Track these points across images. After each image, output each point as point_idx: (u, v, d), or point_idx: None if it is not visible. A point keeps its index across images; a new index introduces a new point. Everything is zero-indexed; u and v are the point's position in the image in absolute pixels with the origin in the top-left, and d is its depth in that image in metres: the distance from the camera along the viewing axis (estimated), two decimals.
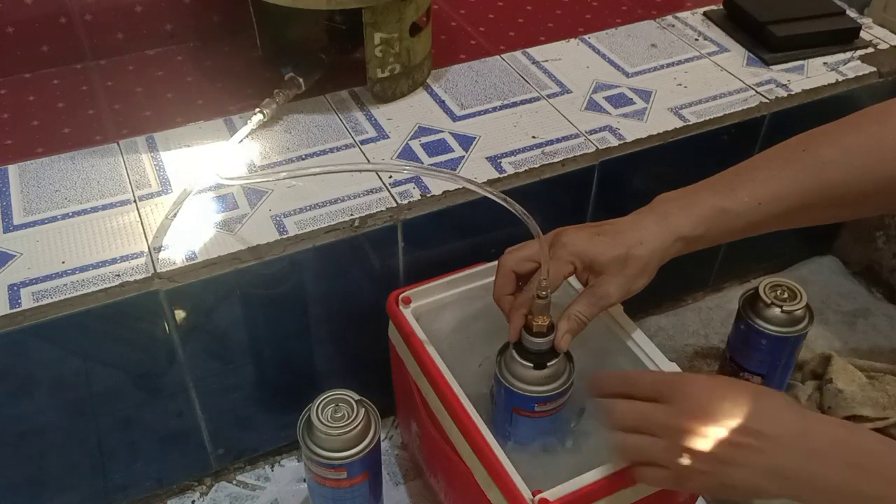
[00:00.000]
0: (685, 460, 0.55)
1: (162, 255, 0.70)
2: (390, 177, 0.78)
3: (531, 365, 0.64)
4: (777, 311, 0.77)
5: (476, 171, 0.79)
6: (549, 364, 0.64)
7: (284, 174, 0.74)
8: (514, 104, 0.89)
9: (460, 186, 0.77)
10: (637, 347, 0.69)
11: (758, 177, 0.65)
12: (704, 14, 1.05)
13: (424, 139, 0.83)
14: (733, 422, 0.54)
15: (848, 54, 0.98)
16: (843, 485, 0.51)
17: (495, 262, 0.75)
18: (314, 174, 0.76)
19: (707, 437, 0.54)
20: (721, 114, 0.88)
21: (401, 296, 0.72)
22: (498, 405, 0.68)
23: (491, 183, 0.78)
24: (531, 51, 0.98)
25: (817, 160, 0.65)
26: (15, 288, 0.67)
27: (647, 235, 0.64)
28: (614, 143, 0.83)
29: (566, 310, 0.65)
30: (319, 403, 0.67)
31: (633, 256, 0.63)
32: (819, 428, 0.54)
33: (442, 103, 0.89)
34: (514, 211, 0.60)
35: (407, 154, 0.81)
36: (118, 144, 0.83)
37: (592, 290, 0.65)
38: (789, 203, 0.64)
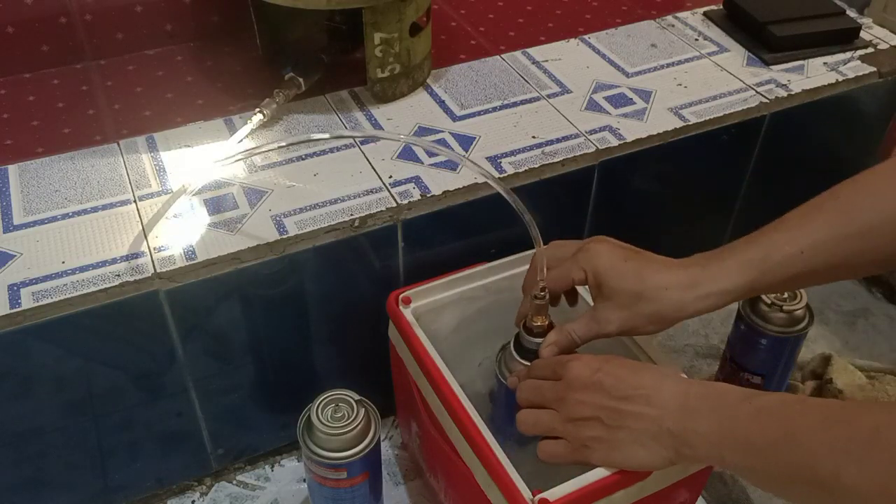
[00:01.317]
0: (577, 428, 0.59)
1: (162, 255, 0.70)
2: (390, 176, 0.78)
3: (530, 364, 0.64)
4: (777, 311, 0.77)
5: (476, 171, 0.79)
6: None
7: (276, 145, 0.75)
8: (514, 104, 0.89)
9: (460, 186, 0.77)
10: (637, 347, 0.69)
11: (793, 226, 0.63)
12: (704, 14, 1.05)
13: (425, 139, 0.83)
14: (617, 390, 0.58)
15: (848, 54, 0.98)
16: (715, 434, 0.54)
17: (495, 262, 0.75)
18: (301, 142, 0.77)
19: (594, 405, 0.58)
20: (721, 114, 0.88)
21: (401, 296, 0.72)
22: (498, 405, 0.68)
23: None
24: (531, 51, 0.98)
25: (850, 204, 0.62)
26: (15, 288, 0.67)
27: (675, 283, 0.62)
28: (614, 143, 0.83)
29: (562, 326, 0.65)
30: (319, 403, 0.67)
31: (647, 298, 0.61)
32: (693, 389, 0.57)
33: (442, 103, 0.89)
34: (516, 208, 0.60)
35: (407, 154, 0.81)
36: (118, 144, 0.83)
37: (594, 312, 0.64)
38: (829, 251, 0.61)
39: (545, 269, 0.64)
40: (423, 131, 0.85)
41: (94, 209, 0.75)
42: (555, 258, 0.66)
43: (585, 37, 1.01)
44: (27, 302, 0.65)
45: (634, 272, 0.62)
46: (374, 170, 0.79)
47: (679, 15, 1.06)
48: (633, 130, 0.85)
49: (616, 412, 0.58)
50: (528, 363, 0.65)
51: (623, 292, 0.62)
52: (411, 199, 0.76)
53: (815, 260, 0.61)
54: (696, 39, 1.00)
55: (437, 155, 0.81)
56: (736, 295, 0.62)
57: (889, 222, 0.61)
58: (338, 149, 0.82)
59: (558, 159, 0.81)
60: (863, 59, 0.97)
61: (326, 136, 0.77)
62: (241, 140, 0.82)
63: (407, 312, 0.72)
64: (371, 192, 0.77)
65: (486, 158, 0.81)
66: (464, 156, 0.81)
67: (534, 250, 0.66)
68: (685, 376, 0.61)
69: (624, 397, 0.58)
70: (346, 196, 0.76)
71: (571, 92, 0.91)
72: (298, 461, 0.86)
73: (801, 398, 0.54)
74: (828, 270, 0.62)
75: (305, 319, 0.78)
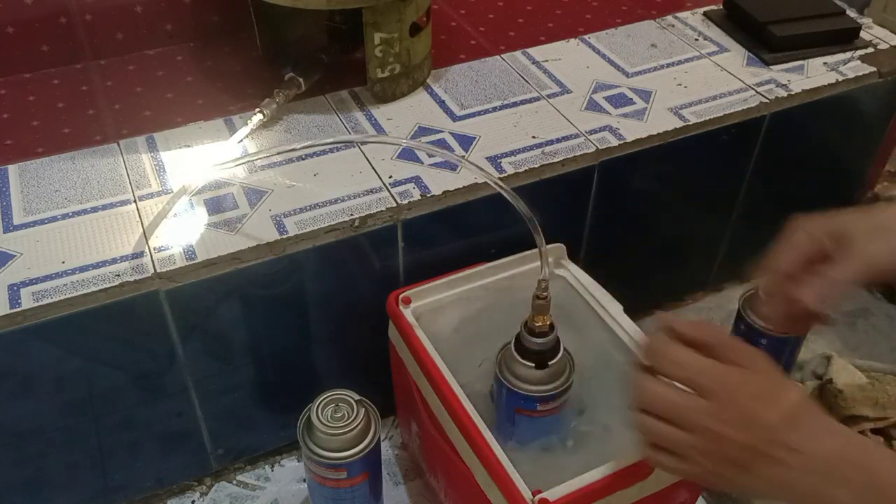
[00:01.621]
0: (715, 464, 0.52)
1: (162, 255, 0.70)
2: (390, 176, 0.78)
3: (532, 365, 0.64)
4: None
5: (476, 171, 0.79)
6: (550, 363, 0.64)
7: (275, 151, 0.74)
8: (514, 104, 0.89)
9: (460, 186, 0.77)
10: (637, 347, 0.69)
11: None
12: (704, 14, 1.05)
13: (424, 139, 0.83)
14: (769, 432, 0.51)
15: (848, 54, 0.97)
16: None
17: (495, 262, 0.75)
18: (300, 148, 0.76)
19: (742, 447, 0.51)
20: (721, 114, 0.88)
21: (401, 296, 0.72)
22: (499, 406, 0.68)
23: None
24: (531, 51, 0.98)
25: None
26: (15, 288, 0.67)
27: None
28: (614, 143, 0.83)
29: (824, 276, 0.58)
30: (319, 403, 0.67)
31: (886, 227, 0.58)
32: (850, 451, 0.51)
33: (442, 103, 0.89)
34: (518, 208, 0.60)
35: (407, 154, 0.81)
36: (118, 144, 0.83)
37: (851, 253, 0.58)
38: None
39: (547, 270, 0.63)
40: (423, 131, 0.85)
41: (94, 209, 0.75)
42: (818, 237, 0.60)
43: (585, 37, 1.01)
44: (27, 302, 0.65)
45: (856, 215, 0.59)
46: (374, 170, 0.79)
47: (679, 15, 1.06)
48: (633, 130, 0.85)
49: (762, 457, 0.51)
50: (531, 364, 0.64)
51: (864, 230, 0.58)
52: (411, 199, 0.76)
53: None
54: (696, 39, 1.00)
55: (437, 155, 0.81)
56: None
57: None
58: (338, 149, 0.82)
59: (558, 159, 0.81)
60: (863, 59, 0.97)
61: (331, 140, 0.77)
62: (241, 140, 0.82)
63: (407, 312, 0.72)
64: (371, 192, 0.77)
65: (486, 158, 0.81)
66: (463, 157, 0.81)
67: (533, 250, 0.66)
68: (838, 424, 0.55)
69: (771, 441, 0.50)
70: (346, 196, 0.76)
71: (571, 92, 0.91)
72: (298, 461, 0.86)
73: None
74: None
75: (305, 319, 0.78)
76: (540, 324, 0.64)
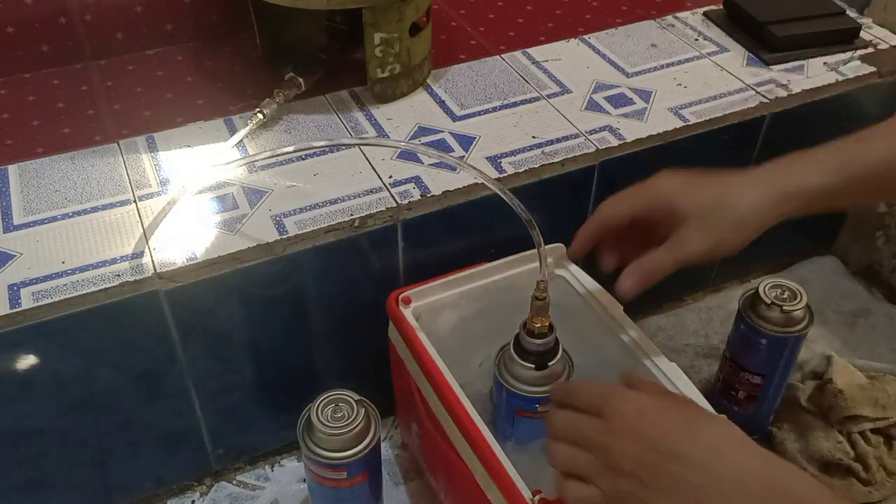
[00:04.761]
0: (614, 479, 0.51)
1: (162, 255, 0.70)
2: (390, 176, 0.78)
3: (532, 366, 0.64)
4: (777, 311, 0.77)
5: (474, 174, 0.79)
6: (549, 364, 0.64)
7: (269, 154, 0.75)
8: (514, 104, 0.89)
9: (460, 186, 0.77)
10: (637, 347, 0.69)
11: (866, 139, 0.60)
12: (704, 14, 1.05)
13: (424, 139, 0.83)
14: (665, 446, 0.50)
15: (848, 54, 0.98)
16: None
17: (495, 262, 0.75)
18: (292, 151, 0.77)
19: (634, 458, 0.50)
20: (721, 114, 0.88)
21: (401, 296, 0.72)
22: (498, 407, 0.68)
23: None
24: (531, 51, 0.98)
25: None
26: (15, 288, 0.67)
27: (751, 185, 0.57)
28: (614, 143, 0.83)
29: (638, 260, 0.59)
30: (319, 403, 0.67)
31: (725, 207, 0.57)
32: (754, 468, 0.49)
33: (442, 103, 0.89)
34: (515, 208, 0.60)
35: (407, 154, 0.81)
36: (118, 144, 0.83)
37: (672, 240, 0.59)
38: None
39: (546, 271, 0.63)
40: (423, 131, 0.85)
41: (94, 209, 0.75)
42: (621, 214, 0.62)
43: (585, 37, 1.01)
44: (27, 302, 0.65)
45: (705, 185, 0.58)
46: (374, 170, 0.79)
47: (679, 15, 1.06)
48: (633, 130, 0.85)
49: (657, 471, 0.50)
50: (530, 365, 0.64)
51: (698, 207, 0.58)
52: (411, 199, 0.76)
53: (888, 172, 0.59)
54: (696, 39, 1.00)
55: (435, 157, 0.81)
56: (817, 198, 0.58)
57: None
58: (338, 149, 0.82)
59: (558, 159, 0.81)
60: (863, 59, 0.97)
61: (322, 143, 0.77)
62: (241, 140, 0.82)
63: (407, 312, 0.72)
64: (371, 192, 0.77)
65: (486, 158, 0.81)
66: (462, 158, 0.81)
67: (533, 250, 0.66)
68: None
69: (669, 456, 0.50)
70: (346, 196, 0.76)
71: (571, 92, 0.91)
72: (298, 461, 0.86)
73: None
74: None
75: (305, 319, 0.78)
76: (539, 325, 0.64)
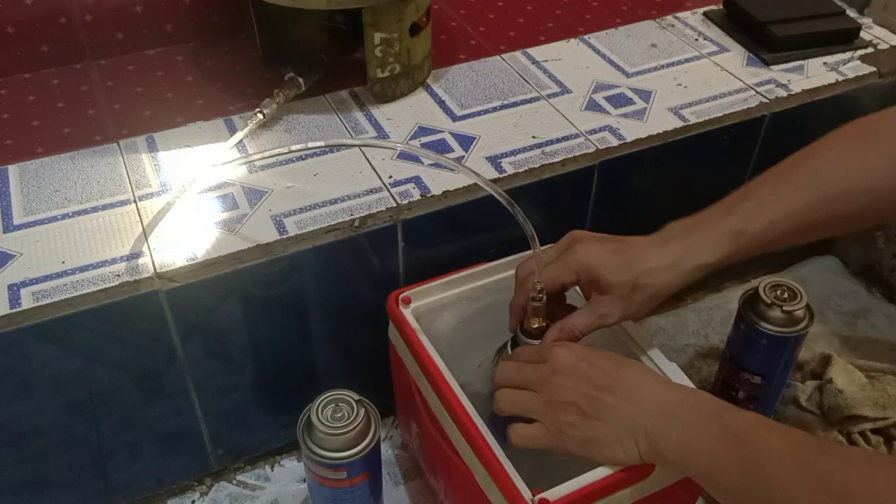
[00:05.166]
0: (555, 412, 0.60)
1: (162, 255, 0.70)
2: (390, 177, 0.78)
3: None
4: (777, 311, 0.77)
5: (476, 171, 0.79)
6: None
7: (271, 152, 0.75)
8: (514, 104, 0.89)
9: (460, 186, 0.77)
10: (637, 347, 0.69)
11: (764, 196, 0.66)
12: (704, 14, 1.05)
13: (424, 139, 0.83)
14: (599, 379, 0.60)
15: (848, 54, 0.97)
16: (683, 444, 0.56)
17: (495, 262, 0.75)
18: (299, 150, 0.77)
19: (574, 390, 0.60)
20: (721, 114, 0.88)
21: (401, 296, 0.72)
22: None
23: (491, 183, 0.78)
24: (531, 51, 0.98)
25: (815, 174, 0.67)
26: (15, 288, 0.67)
27: (662, 265, 0.64)
28: (614, 143, 0.83)
29: (563, 320, 0.65)
30: (319, 403, 0.67)
31: (641, 285, 0.64)
32: (672, 394, 0.59)
33: (442, 103, 0.89)
34: (512, 210, 0.60)
35: (407, 154, 0.81)
36: (118, 144, 0.83)
37: (593, 306, 0.65)
38: (799, 219, 0.65)
39: (542, 271, 0.64)
40: (423, 131, 0.85)
41: (94, 209, 0.75)
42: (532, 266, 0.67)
43: (585, 37, 1.01)
44: (27, 302, 0.65)
45: (625, 264, 0.64)
46: (374, 170, 0.79)
47: (679, 15, 1.06)
48: (633, 130, 0.85)
49: (595, 401, 0.59)
50: None
51: (619, 284, 0.64)
52: (411, 199, 0.76)
53: (786, 228, 0.65)
54: (696, 39, 1.00)
55: (433, 159, 0.81)
56: (714, 267, 0.65)
57: (854, 190, 0.65)
58: (338, 149, 0.82)
59: (558, 159, 0.81)
60: (863, 59, 0.97)
61: (322, 144, 0.77)
62: (241, 140, 0.82)
63: (407, 312, 0.72)
64: (371, 192, 0.77)
65: (486, 158, 0.81)
66: (461, 159, 0.81)
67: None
68: (676, 378, 0.64)
69: (605, 388, 0.59)
70: (346, 196, 0.76)
71: (571, 92, 0.91)
72: (298, 461, 0.86)
73: (770, 424, 0.55)
74: (797, 236, 0.66)
75: (305, 319, 0.78)
76: (536, 325, 0.65)
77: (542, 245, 0.64)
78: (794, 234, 0.66)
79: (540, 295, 0.64)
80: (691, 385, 0.64)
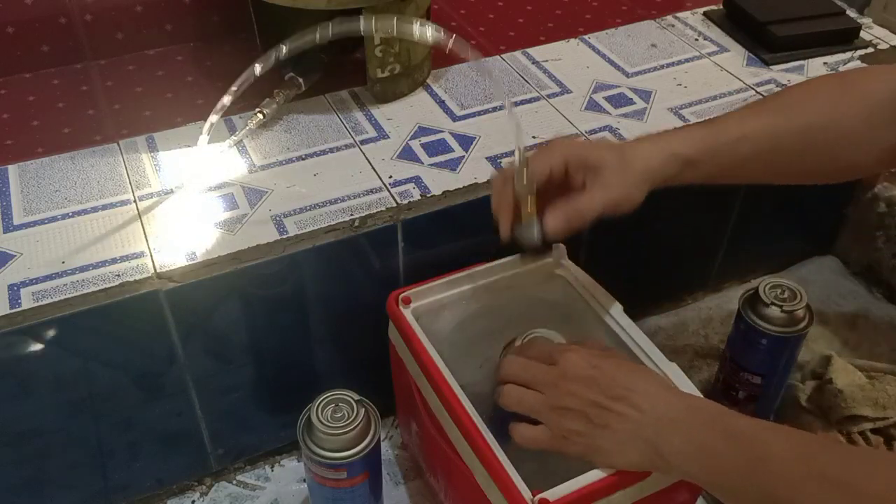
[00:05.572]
0: (561, 418, 0.59)
1: (162, 255, 0.70)
2: (390, 176, 0.78)
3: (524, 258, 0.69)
4: (777, 311, 0.77)
5: (476, 171, 0.79)
6: (541, 257, 0.69)
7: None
8: (515, 104, 0.89)
9: (460, 186, 0.77)
10: (637, 347, 0.69)
11: (737, 117, 0.69)
12: (704, 14, 1.05)
13: (424, 139, 0.83)
14: (610, 389, 0.59)
15: (848, 54, 0.98)
16: (688, 450, 0.56)
17: (495, 262, 0.75)
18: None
19: (584, 399, 0.59)
20: (721, 113, 0.87)
21: (401, 296, 0.72)
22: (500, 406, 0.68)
23: None
24: (531, 51, 0.98)
25: (792, 105, 0.70)
26: (15, 288, 0.67)
27: (642, 149, 0.65)
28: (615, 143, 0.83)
29: (564, 205, 0.65)
30: (319, 403, 0.67)
31: (627, 164, 0.64)
32: (680, 402, 0.59)
33: (442, 103, 0.89)
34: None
35: (407, 154, 0.81)
36: (118, 144, 0.83)
37: (591, 186, 0.64)
38: (770, 141, 0.67)
39: (522, 148, 0.64)
40: (423, 131, 0.85)
41: (94, 209, 0.75)
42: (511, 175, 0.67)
43: (585, 37, 1.01)
44: (27, 302, 0.65)
45: (608, 145, 0.66)
46: (374, 170, 0.79)
47: (679, 15, 1.06)
48: (634, 130, 0.85)
49: (603, 411, 0.58)
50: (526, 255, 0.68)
51: (609, 158, 0.64)
52: (411, 199, 0.76)
53: (758, 146, 0.67)
54: (696, 39, 1.00)
55: (436, 155, 0.81)
56: (688, 162, 0.66)
57: (825, 126, 0.68)
58: (338, 149, 0.82)
59: None
60: (863, 59, 0.97)
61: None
62: (241, 140, 0.82)
63: (407, 312, 0.72)
64: (371, 192, 0.77)
65: (486, 158, 0.81)
66: (461, 158, 0.81)
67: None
68: (676, 378, 0.64)
69: (613, 397, 0.58)
70: (346, 196, 0.76)
71: (571, 92, 0.91)
72: (298, 461, 0.86)
73: (773, 427, 0.56)
74: (768, 162, 0.68)
75: (305, 319, 0.78)
76: (528, 212, 0.66)
77: None
78: (764, 160, 0.68)
79: (525, 161, 0.64)
80: (695, 389, 0.64)
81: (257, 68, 0.70)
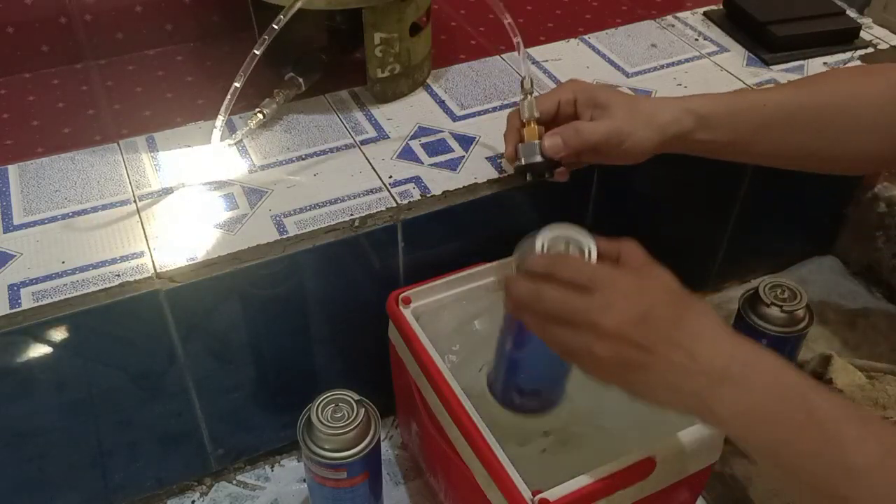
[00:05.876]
0: (603, 352, 0.52)
1: (162, 255, 0.70)
2: (390, 176, 0.78)
3: (531, 179, 0.71)
4: (777, 311, 0.77)
5: (476, 171, 0.79)
6: (546, 177, 0.70)
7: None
8: (515, 104, 0.88)
9: (460, 186, 0.77)
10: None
11: (758, 89, 0.73)
12: (704, 14, 1.05)
13: (424, 139, 0.83)
14: (659, 331, 0.52)
15: (848, 54, 0.98)
16: (743, 408, 0.50)
17: (495, 263, 0.75)
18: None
19: (630, 340, 0.52)
20: None
21: (401, 296, 0.72)
22: (503, 351, 0.65)
23: (491, 183, 0.78)
24: (531, 51, 0.98)
25: (813, 84, 0.73)
26: (15, 288, 0.67)
27: (657, 100, 0.67)
28: None
29: (570, 123, 0.67)
30: (319, 403, 0.67)
31: (638, 105, 0.66)
32: (739, 353, 0.52)
33: (442, 103, 0.89)
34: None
35: (407, 154, 0.81)
36: (118, 144, 0.83)
37: (600, 116, 0.67)
38: (788, 113, 0.68)
39: (528, 70, 0.69)
40: (423, 131, 0.85)
41: (94, 209, 0.75)
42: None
43: (585, 37, 1.01)
44: (27, 302, 0.65)
45: (622, 92, 0.70)
46: (374, 170, 0.79)
47: (679, 15, 1.06)
48: None
49: (648, 354, 0.52)
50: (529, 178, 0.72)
51: (619, 100, 0.66)
52: (411, 199, 0.76)
53: (775, 116, 0.68)
54: (696, 39, 1.00)
55: (436, 155, 0.81)
56: (702, 119, 0.67)
57: (844, 108, 0.69)
58: (338, 149, 0.82)
59: None
60: (863, 59, 0.97)
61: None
62: (241, 140, 0.82)
63: (407, 312, 0.72)
64: (371, 192, 0.77)
65: (486, 158, 0.81)
66: (462, 158, 0.81)
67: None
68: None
69: (664, 340, 0.52)
70: (346, 196, 0.76)
71: None
72: (298, 461, 0.86)
73: (826, 391, 0.51)
74: (783, 135, 0.69)
75: (305, 319, 0.78)
76: (530, 133, 0.70)
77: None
78: (782, 133, 0.68)
79: (530, 90, 0.68)
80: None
81: (258, 49, 0.73)
